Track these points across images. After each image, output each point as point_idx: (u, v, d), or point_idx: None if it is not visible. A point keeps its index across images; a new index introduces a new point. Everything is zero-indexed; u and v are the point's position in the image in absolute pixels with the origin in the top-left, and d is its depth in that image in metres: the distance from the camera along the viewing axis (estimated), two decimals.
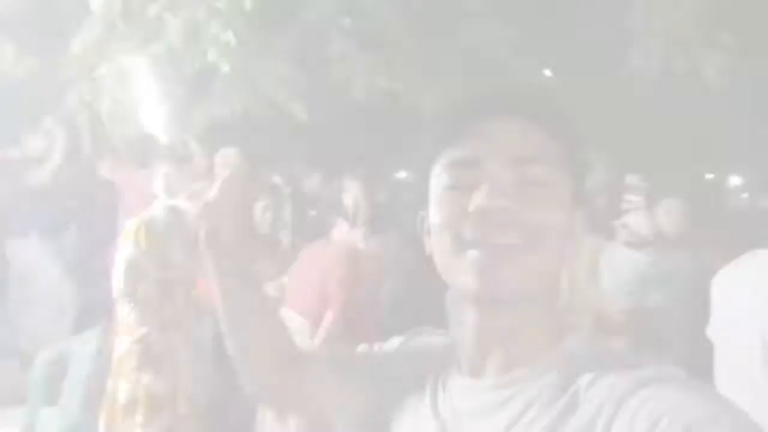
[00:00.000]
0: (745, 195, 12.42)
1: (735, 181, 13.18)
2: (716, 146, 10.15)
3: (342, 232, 2.96)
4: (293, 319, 2.62)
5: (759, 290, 1.55)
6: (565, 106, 0.72)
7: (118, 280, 2.66)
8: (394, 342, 0.87)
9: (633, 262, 2.94)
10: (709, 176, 13.20)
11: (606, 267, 2.98)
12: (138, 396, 2.62)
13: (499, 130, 0.67)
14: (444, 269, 0.69)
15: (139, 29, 3.42)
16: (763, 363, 1.52)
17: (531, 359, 0.67)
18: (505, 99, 0.71)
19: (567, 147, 0.69)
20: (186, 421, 2.69)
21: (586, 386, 0.61)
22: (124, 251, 2.66)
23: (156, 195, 2.80)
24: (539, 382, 0.65)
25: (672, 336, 2.84)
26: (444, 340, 0.82)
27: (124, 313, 2.66)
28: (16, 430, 2.44)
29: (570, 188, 0.68)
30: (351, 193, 3.12)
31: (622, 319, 2.88)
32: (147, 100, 4.85)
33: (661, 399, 0.55)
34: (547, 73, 7.99)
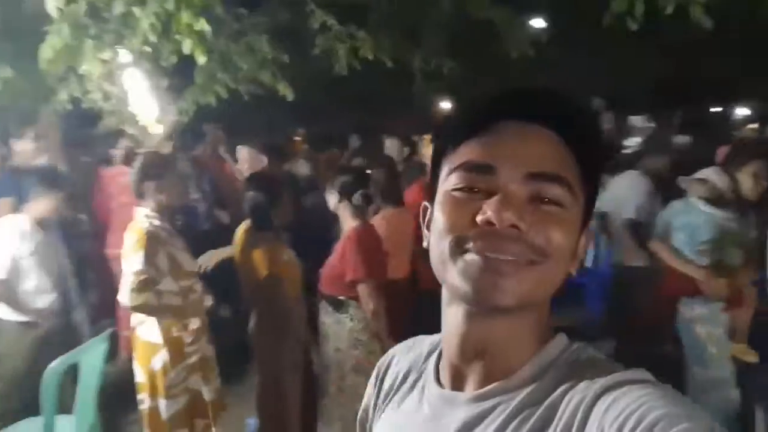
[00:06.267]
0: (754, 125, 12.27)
1: (743, 111, 12.95)
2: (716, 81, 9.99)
3: None
4: None
5: None
6: (596, 120, 0.67)
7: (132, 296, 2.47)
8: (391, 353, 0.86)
9: (714, 219, 2.86)
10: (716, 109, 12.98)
11: (682, 226, 2.92)
12: (181, 407, 2.62)
13: (520, 139, 0.63)
14: (439, 267, 0.65)
15: (110, 27, 3.34)
16: None
17: (511, 370, 0.65)
18: (531, 103, 0.65)
19: (588, 167, 0.65)
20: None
21: (561, 395, 0.61)
22: (132, 265, 2.49)
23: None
24: (518, 395, 0.63)
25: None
26: (429, 342, 0.80)
27: (143, 329, 2.62)
28: None
29: (582, 210, 0.65)
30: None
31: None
32: (135, 94, 4.82)
33: (629, 401, 0.55)
34: (539, 23, 7.81)
